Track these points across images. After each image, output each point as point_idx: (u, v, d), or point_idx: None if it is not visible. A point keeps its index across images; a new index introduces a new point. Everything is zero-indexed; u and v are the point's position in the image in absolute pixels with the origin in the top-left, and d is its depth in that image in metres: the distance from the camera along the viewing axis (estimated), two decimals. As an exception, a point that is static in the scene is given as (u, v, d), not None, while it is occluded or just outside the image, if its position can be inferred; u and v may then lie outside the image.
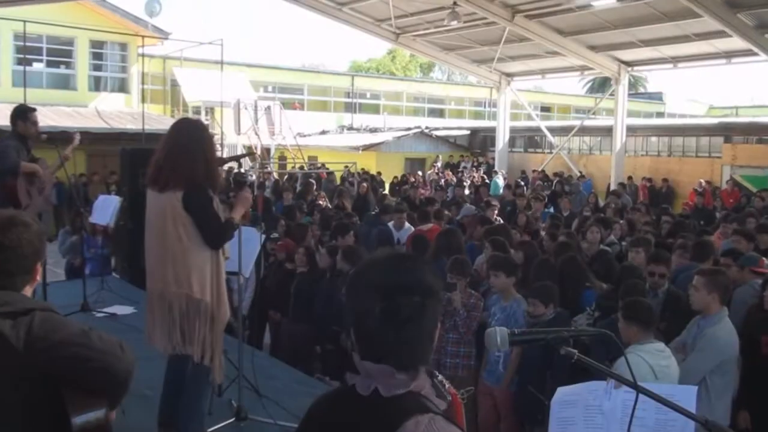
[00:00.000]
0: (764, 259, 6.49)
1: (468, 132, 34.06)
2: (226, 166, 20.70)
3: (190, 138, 4.35)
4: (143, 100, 24.81)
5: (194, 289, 4.32)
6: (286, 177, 22.39)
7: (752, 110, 46.20)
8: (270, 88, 37.50)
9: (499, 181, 23.19)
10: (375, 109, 40.91)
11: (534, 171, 25.89)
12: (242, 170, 19.43)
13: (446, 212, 10.79)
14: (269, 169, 23.68)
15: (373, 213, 11.00)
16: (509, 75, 26.73)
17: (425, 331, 1.74)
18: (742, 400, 5.06)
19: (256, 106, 27.58)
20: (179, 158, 4.28)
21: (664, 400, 1.95)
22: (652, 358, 4.14)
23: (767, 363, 4.98)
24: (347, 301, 1.79)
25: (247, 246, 5.35)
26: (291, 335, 7.53)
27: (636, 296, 4.77)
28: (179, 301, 4.31)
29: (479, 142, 33.38)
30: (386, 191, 21.84)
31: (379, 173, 24.74)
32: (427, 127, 32.95)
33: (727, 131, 23.72)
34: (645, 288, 5.57)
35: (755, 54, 18.72)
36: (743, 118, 29.85)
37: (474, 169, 27.84)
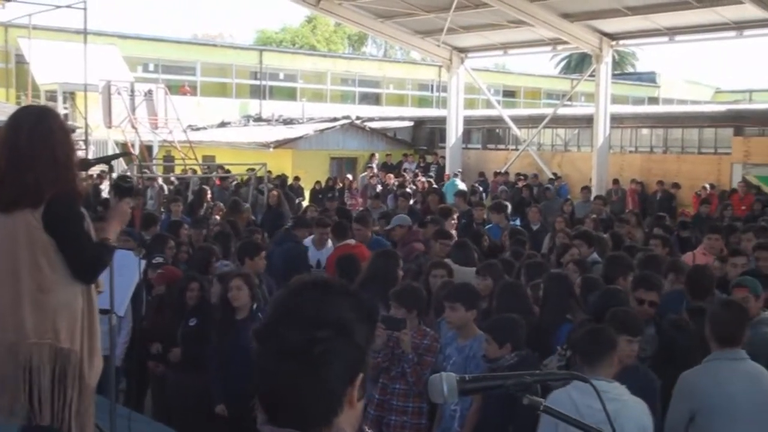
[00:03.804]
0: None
1: (411, 123, 34.37)
2: (93, 170, 20.29)
3: (32, 133, 4.25)
4: (-23, 83, 24.19)
5: (61, 337, 4.20)
6: (174, 183, 22.12)
7: (769, 94, 48.00)
8: (151, 67, 37.08)
9: (459, 184, 23.32)
10: (290, 95, 40.87)
11: (496, 173, 26.18)
12: (127, 173, 19.08)
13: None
14: (152, 173, 23.36)
15: (285, 228, 11.01)
16: (462, 50, 27.06)
17: (327, 382, 1.74)
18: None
19: (132, 91, 27.23)
20: (21, 164, 4.18)
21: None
22: (583, 397, 4.25)
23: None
24: (253, 344, 1.82)
25: (121, 275, 5.28)
26: (180, 392, 7.44)
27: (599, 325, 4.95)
28: (40, 354, 4.17)
29: (425, 137, 33.68)
30: (306, 200, 21.84)
31: (297, 178, 24.72)
32: (358, 118, 33.06)
33: (738, 121, 24.41)
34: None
35: (773, 25, 19.38)
36: (758, 105, 30.87)
37: (419, 171, 28.07)
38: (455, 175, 24.92)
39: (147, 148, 27.91)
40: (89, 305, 4.35)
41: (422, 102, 44.93)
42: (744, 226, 11.14)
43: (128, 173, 22.05)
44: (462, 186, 22.33)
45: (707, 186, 21.55)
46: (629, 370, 4.95)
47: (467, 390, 2.06)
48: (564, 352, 5.71)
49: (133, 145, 26.90)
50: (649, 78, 53.92)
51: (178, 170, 26.65)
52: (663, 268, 7.59)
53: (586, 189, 19.92)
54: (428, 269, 7.88)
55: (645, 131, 27.17)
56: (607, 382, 4.46)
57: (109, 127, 26.81)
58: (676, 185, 21.96)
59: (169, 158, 29.21)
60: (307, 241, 10.29)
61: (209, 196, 16.30)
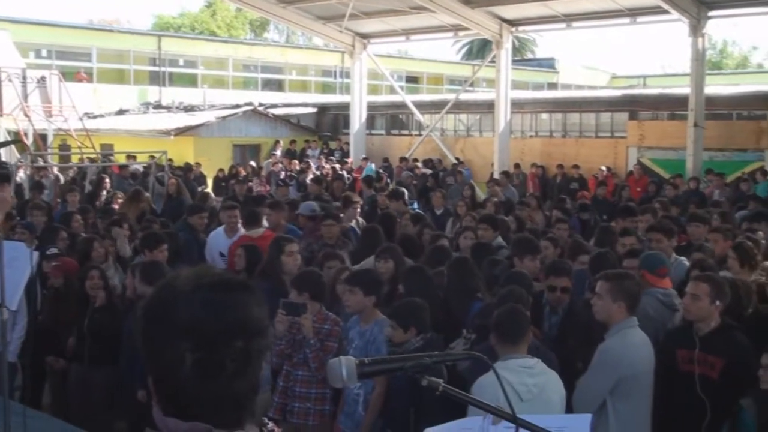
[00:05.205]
0: (666, 265, 6.81)
1: (314, 110, 34.30)
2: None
3: None
4: None
5: None
6: (71, 173, 21.55)
7: (662, 80, 49.63)
8: (44, 53, 36.07)
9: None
10: (191, 81, 40.25)
11: (402, 159, 26.24)
12: (4, 160, 18.63)
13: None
14: (46, 162, 22.70)
15: (184, 217, 10.79)
16: (365, 36, 27.11)
17: (252, 381, 1.74)
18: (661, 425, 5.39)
19: (24, 77, 26.47)
20: None
21: (549, 434, 2.07)
22: (515, 376, 4.41)
23: (686, 381, 5.34)
24: (142, 343, 1.74)
25: (13, 268, 5.13)
26: (87, 386, 7.28)
27: (513, 304, 5.08)
28: None
29: (329, 123, 33.69)
30: (209, 188, 21.59)
31: (198, 165, 24.41)
32: (261, 104, 32.86)
33: (633, 105, 25.35)
34: (527, 297, 5.86)
35: (665, 12, 19.99)
36: (652, 90, 31.92)
37: (323, 157, 28.03)
38: (365, 160, 25.06)
39: (41, 137, 27.13)
40: None
41: (325, 88, 44.81)
42: (641, 207, 11.47)
43: (23, 163, 21.43)
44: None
45: (604, 168, 22.17)
46: (531, 350, 5.08)
47: (366, 373, 2.06)
48: (469, 336, 5.80)
49: (26, 134, 26.13)
50: (548, 64, 54.95)
51: (74, 159, 25.99)
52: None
53: (504, 174, 20.23)
54: (321, 260, 7.88)
55: (544, 116, 27.78)
56: (530, 358, 4.63)
57: (0, 115, 25.99)
58: (576, 167, 22.43)
59: (65, 147, 28.45)
60: (220, 229, 9.96)
61: (108, 184, 15.94)
